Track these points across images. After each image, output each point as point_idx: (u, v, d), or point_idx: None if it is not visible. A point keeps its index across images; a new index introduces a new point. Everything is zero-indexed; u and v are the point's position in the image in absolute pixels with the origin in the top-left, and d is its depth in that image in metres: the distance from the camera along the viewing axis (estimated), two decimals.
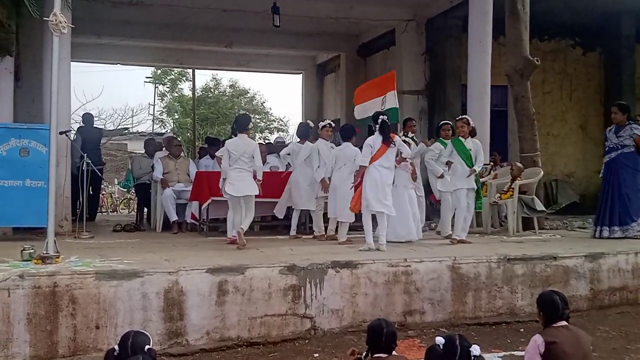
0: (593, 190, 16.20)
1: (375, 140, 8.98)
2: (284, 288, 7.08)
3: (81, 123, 14.49)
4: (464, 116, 10.22)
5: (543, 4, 12.79)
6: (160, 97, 36.56)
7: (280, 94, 59.66)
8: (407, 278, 7.57)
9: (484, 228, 10.95)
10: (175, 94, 35.59)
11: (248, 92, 37.27)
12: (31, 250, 7.15)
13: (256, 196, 9.17)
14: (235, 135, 9.30)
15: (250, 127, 9.55)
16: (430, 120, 14.82)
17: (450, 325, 7.59)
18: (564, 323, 4.73)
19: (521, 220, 10.92)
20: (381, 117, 9.06)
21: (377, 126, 9.02)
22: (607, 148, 10.16)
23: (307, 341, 7.03)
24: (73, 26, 8.12)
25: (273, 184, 10.10)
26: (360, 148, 9.25)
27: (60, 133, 8.90)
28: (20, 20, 10.42)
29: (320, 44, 18.31)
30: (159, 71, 34.23)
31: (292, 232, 10.37)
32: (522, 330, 7.50)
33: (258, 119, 35.33)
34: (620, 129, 9.96)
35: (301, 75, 21.36)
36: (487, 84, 12.04)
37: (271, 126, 37.12)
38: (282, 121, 37.52)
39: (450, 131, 10.29)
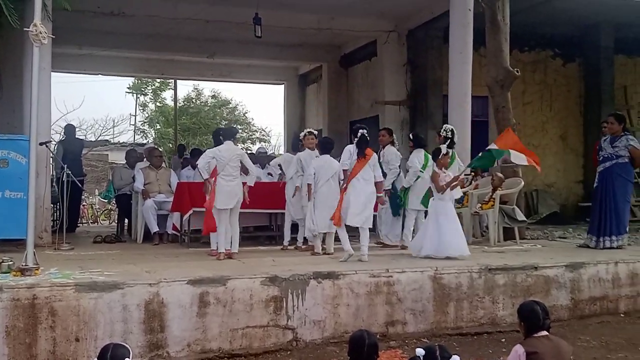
0: (573, 200, 16.36)
1: (353, 151, 9.02)
2: (265, 299, 7.07)
3: (63, 134, 14.43)
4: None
5: (523, 15, 12.89)
6: (142, 108, 36.44)
7: (262, 105, 59.71)
8: (389, 288, 7.58)
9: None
10: (158, 104, 35.47)
11: (230, 103, 37.26)
12: (10, 262, 7.08)
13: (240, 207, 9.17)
14: (221, 144, 9.29)
15: (236, 137, 9.56)
16: (411, 131, 14.86)
17: (432, 335, 7.61)
18: (545, 333, 4.76)
19: (502, 230, 10.95)
20: (360, 130, 9.09)
21: (356, 139, 9.06)
22: (601, 158, 10.17)
23: (288, 352, 7.03)
24: (53, 37, 8.12)
25: (256, 194, 10.05)
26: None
27: (41, 144, 8.84)
28: (0, 31, 10.37)
29: (302, 55, 18.34)
30: (140, 81, 34.11)
31: (286, 242, 10.40)
32: (503, 340, 7.53)
33: (240, 129, 35.27)
34: (616, 139, 10.01)
35: (283, 85, 21.37)
36: (468, 94, 12.08)
37: (253, 137, 37.10)
38: (264, 131, 37.55)
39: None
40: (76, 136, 14.83)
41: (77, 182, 10.79)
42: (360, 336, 4.49)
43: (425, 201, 9.76)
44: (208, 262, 8.44)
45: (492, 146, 9.32)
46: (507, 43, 11.70)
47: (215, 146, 9.59)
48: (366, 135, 9.07)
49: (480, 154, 9.54)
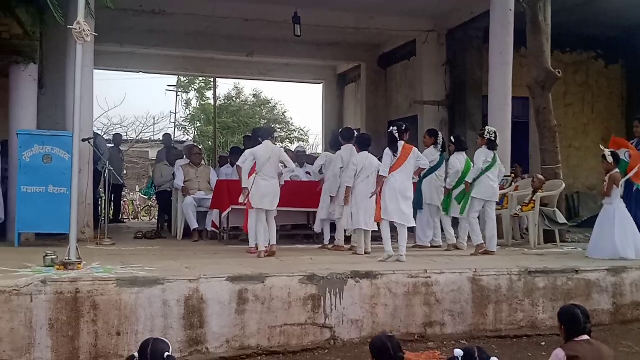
0: None
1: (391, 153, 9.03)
2: (303, 297, 7.09)
3: (110, 143, 15.13)
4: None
5: (565, 16, 12.71)
6: (185, 105, 36.74)
7: (301, 104, 59.77)
8: (427, 289, 7.54)
9: (505, 240, 10.87)
10: (202, 102, 35.73)
11: (270, 102, 37.37)
12: (53, 256, 7.20)
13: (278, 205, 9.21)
14: (250, 145, 9.36)
15: (274, 136, 9.59)
16: (450, 132, 14.77)
17: (471, 337, 7.56)
18: (586, 337, 4.70)
19: (542, 233, 10.84)
20: (390, 128, 9.10)
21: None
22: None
23: (326, 351, 7.04)
24: (96, 34, 8.20)
25: (294, 193, 10.08)
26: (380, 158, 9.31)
27: (83, 140, 8.97)
28: (44, 28, 10.54)
29: (340, 54, 18.31)
30: (185, 79, 34.40)
31: (326, 241, 10.46)
32: (543, 343, 7.45)
33: (279, 128, 35.40)
34: None
35: (322, 84, 21.36)
36: (508, 95, 11.98)
37: (292, 136, 37.18)
38: (303, 131, 37.59)
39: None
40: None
41: (118, 177, 10.95)
42: (381, 341, 4.46)
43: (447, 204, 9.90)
44: (247, 260, 8.49)
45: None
46: (548, 44, 11.57)
47: (245, 147, 9.65)
48: (395, 133, 9.05)
49: None
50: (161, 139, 20.20)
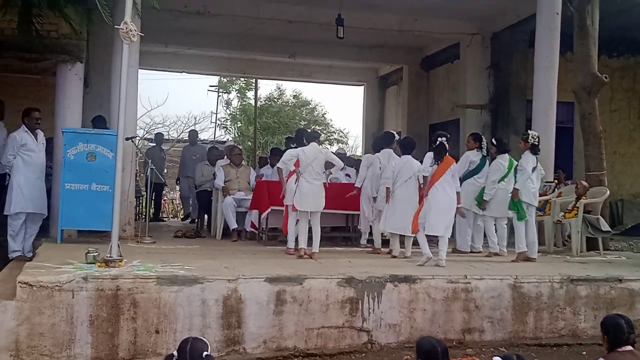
0: None
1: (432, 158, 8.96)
2: (341, 300, 7.08)
3: (152, 142, 15.33)
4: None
5: (612, 20, 12.50)
6: (226, 105, 37.01)
7: (341, 105, 59.73)
8: (466, 295, 7.48)
9: (546, 247, 10.73)
10: (243, 102, 35.95)
11: (310, 103, 37.44)
12: (95, 253, 7.29)
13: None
14: (302, 144, 9.39)
15: (320, 139, 9.62)
16: (493, 135, 14.62)
17: (510, 345, 7.48)
18: (629, 348, 4.62)
19: (585, 240, 10.67)
20: (439, 138, 9.02)
21: (434, 146, 8.99)
22: None
23: (363, 355, 7.02)
24: (143, 34, 8.29)
25: (333, 195, 10.05)
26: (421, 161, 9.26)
27: (126, 139, 9.06)
28: (91, 28, 10.69)
29: (383, 56, 18.26)
30: (225, 80, 34.65)
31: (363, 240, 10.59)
32: (584, 353, 7.35)
33: (319, 129, 35.43)
34: None
35: (363, 87, 21.33)
36: (553, 100, 11.82)
37: (331, 137, 37.19)
38: (342, 133, 37.57)
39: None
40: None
41: (159, 176, 11.06)
42: (430, 344, 4.43)
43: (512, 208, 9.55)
44: (285, 261, 8.50)
45: None
46: (595, 48, 11.41)
47: (286, 147, 9.65)
48: (445, 143, 8.96)
49: None
50: (200, 138, 20.44)
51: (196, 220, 13.57)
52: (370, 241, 10.45)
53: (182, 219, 16.22)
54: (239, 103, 36.20)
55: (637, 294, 8.05)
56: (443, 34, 15.38)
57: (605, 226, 10.69)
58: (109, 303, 6.37)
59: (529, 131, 10.07)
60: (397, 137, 10.48)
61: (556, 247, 10.97)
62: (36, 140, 9.46)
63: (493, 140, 10.55)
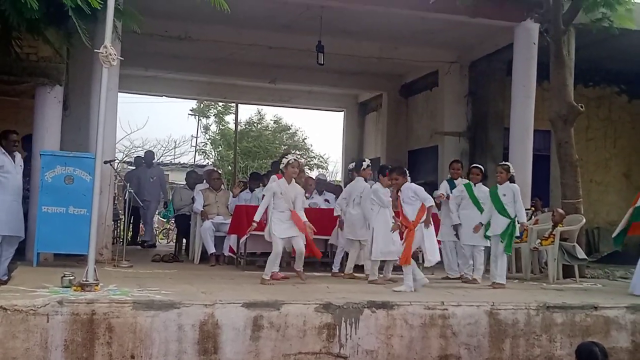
0: (636, 240, 15.80)
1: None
2: (318, 326, 7.05)
3: (132, 165, 15.17)
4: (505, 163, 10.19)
5: (589, 50, 12.71)
6: (204, 130, 37.00)
7: (321, 131, 59.90)
8: (443, 322, 7.48)
9: (523, 274, 10.79)
10: (221, 127, 35.96)
11: (290, 128, 37.53)
12: (71, 277, 7.24)
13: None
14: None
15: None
16: (471, 163, 14.74)
17: None
18: None
19: (561, 268, 10.74)
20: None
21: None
22: None
23: None
24: (122, 59, 8.30)
25: (312, 221, 10.05)
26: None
27: (105, 162, 9.05)
28: (71, 51, 10.70)
29: (362, 83, 18.41)
30: (203, 104, 34.69)
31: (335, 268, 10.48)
32: None
33: (299, 155, 35.49)
34: None
35: (343, 112, 21.44)
36: (530, 128, 11.98)
37: (311, 163, 37.24)
38: (323, 158, 37.64)
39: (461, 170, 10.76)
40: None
41: (137, 200, 11.03)
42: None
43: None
44: (263, 286, 8.48)
45: None
46: (571, 78, 11.57)
47: (271, 171, 9.71)
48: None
49: None
50: (181, 161, 20.34)
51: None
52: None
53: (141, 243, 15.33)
54: (217, 127, 36.22)
55: (613, 322, 8.09)
56: (422, 62, 15.53)
57: (581, 254, 10.77)
58: (84, 327, 6.30)
59: (506, 162, 10.18)
60: (364, 164, 10.51)
61: (533, 274, 11.04)
62: (14, 162, 9.40)
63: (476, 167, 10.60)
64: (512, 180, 9.75)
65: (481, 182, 10.34)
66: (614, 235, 10.27)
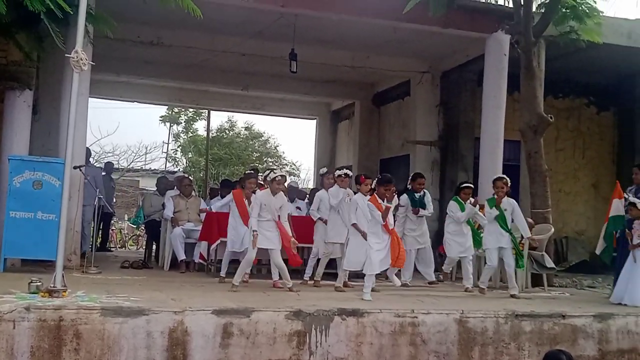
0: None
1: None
2: (289, 333, 7.06)
3: (102, 171, 15.05)
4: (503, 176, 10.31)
5: (558, 62, 12.89)
6: (175, 138, 36.85)
7: (294, 138, 59.99)
8: (413, 329, 7.52)
9: (492, 282, 10.87)
10: (190, 134, 35.82)
11: (262, 135, 37.48)
12: (38, 283, 7.16)
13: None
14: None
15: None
16: (442, 172, 14.84)
17: None
18: None
19: (530, 277, 10.84)
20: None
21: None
22: (626, 208, 10.05)
23: None
24: (93, 63, 8.24)
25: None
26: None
27: (75, 167, 8.97)
28: (41, 55, 10.59)
29: (335, 91, 18.45)
30: (174, 111, 34.54)
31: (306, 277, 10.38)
32: None
33: (271, 162, 35.46)
34: None
35: (315, 120, 21.47)
36: (500, 138, 12.10)
37: (283, 170, 37.16)
38: (295, 165, 37.66)
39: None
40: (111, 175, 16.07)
41: (107, 206, 10.94)
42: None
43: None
44: (233, 293, 8.44)
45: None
46: (541, 89, 11.71)
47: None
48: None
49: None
50: (152, 167, 20.21)
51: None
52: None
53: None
54: (187, 134, 36.08)
55: (580, 330, 8.19)
56: (394, 71, 15.60)
57: (549, 263, 10.87)
58: (51, 334, 6.24)
59: (505, 176, 10.33)
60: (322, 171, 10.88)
61: (502, 283, 11.11)
62: None
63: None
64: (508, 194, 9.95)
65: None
66: (598, 251, 10.37)
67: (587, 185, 16.44)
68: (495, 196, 9.96)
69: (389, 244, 8.79)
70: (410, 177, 11.31)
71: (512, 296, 9.61)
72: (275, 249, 9.09)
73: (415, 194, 10.84)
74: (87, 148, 16.75)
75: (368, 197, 9.22)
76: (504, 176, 10.24)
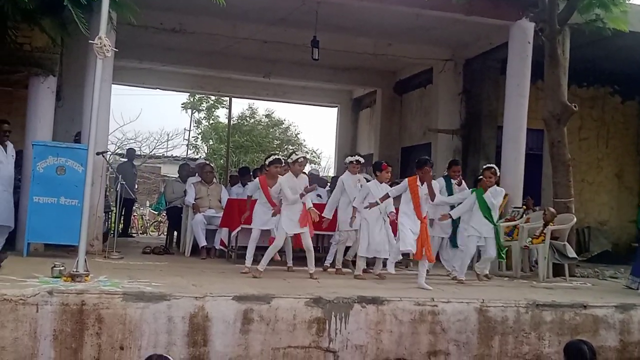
0: (626, 240, 15.97)
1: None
2: (308, 320, 7.07)
3: (123, 158, 15.25)
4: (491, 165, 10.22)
5: (583, 50, 12.74)
6: (196, 124, 36.95)
7: (315, 126, 59.93)
8: (433, 318, 7.50)
9: (513, 272, 10.81)
10: (212, 121, 35.90)
11: (283, 123, 37.49)
12: (61, 268, 7.24)
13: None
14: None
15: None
16: (464, 160, 14.78)
17: None
18: None
19: (552, 266, 10.77)
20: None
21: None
22: None
23: None
24: (117, 50, 8.28)
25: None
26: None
27: (97, 154, 9.02)
28: (65, 41, 10.66)
29: (357, 79, 18.41)
30: (195, 98, 34.62)
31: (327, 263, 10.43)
32: None
33: (292, 149, 35.47)
34: None
35: (336, 108, 21.44)
36: (523, 127, 12.00)
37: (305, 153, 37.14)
38: (315, 153, 37.63)
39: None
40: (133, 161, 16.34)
41: (130, 191, 11.00)
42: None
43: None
44: (254, 279, 8.48)
45: None
46: (565, 77, 11.57)
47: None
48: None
49: None
50: (173, 154, 20.29)
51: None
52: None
53: None
54: (209, 121, 36.16)
55: (601, 321, 8.13)
56: (416, 59, 15.56)
57: (571, 253, 10.80)
58: (73, 318, 6.30)
59: (493, 165, 10.24)
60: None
61: (523, 272, 11.05)
62: (5, 152, 9.40)
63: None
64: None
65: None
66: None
67: (610, 175, 16.29)
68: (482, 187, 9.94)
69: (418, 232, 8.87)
70: (447, 164, 11.28)
71: (486, 277, 9.92)
72: (304, 231, 9.13)
73: (452, 180, 10.81)
74: (132, 149, 17.31)
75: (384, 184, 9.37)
76: (493, 165, 10.17)
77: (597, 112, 16.16)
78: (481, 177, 10.32)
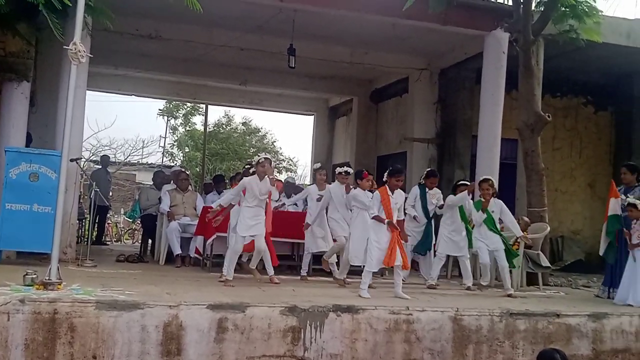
0: (599, 249, 16.04)
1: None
2: (283, 329, 7.05)
3: (98, 165, 15.16)
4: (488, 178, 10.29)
5: (556, 61, 12.89)
6: (172, 131, 36.78)
7: (291, 134, 59.88)
8: (408, 326, 7.52)
9: (488, 282, 10.86)
10: (188, 128, 35.77)
11: (260, 131, 37.45)
12: (34, 276, 7.16)
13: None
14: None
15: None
16: (439, 169, 14.84)
17: None
18: None
19: (525, 275, 10.85)
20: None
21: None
22: (623, 207, 10.03)
23: None
24: (91, 56, 8.22)
25: (279, 223, 10.04)
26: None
27: (71, 160, 8.94)
28: (39, 47, 10.57)
29: (333, 87, 18.45)
30: (171, 104, 34.47)
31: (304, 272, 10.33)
32: None
33: (269, 157, 35.37)
34: (630, 190, 9.94)
35: (313, 116, 21.46)
36: (497, 136, 12.10)
37: (280, 166, 37.15)
38: (292, 161, 37.60)
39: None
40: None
41: (104, 199, 10.90)
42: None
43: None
44: (228, 288, 8.44)
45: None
46: (539, 88, 11.72)
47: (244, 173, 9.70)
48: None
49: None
50: (148, 161, 20.17)
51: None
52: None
53: None
54: (185, 129, 36.03)
55: (574, 329, 8.20)
56: (393, 68, 15.63)
57: (545, 262, 10.89)
58: (45, 327, 6.23)
59: (488, 177, 10.34)
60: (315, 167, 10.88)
61: (497, 281, 11.10)
62: None
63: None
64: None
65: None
66: (602, 252, 10.33)
67: (583, 184, 16.46)
68: (482, 199, 9.96)
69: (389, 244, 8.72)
70: (425, 174, 11.17)
71: (509, 296, 9.57)
72: (259, 234, 9.05)
73: (426, 189, 10.81)
74: (107, 156, 17.20)
75: (367, 191, 9.32)
76: (490, 178, 10.25)
77: (571, 122, 16.33)
78: (461, 183, 10.41)
